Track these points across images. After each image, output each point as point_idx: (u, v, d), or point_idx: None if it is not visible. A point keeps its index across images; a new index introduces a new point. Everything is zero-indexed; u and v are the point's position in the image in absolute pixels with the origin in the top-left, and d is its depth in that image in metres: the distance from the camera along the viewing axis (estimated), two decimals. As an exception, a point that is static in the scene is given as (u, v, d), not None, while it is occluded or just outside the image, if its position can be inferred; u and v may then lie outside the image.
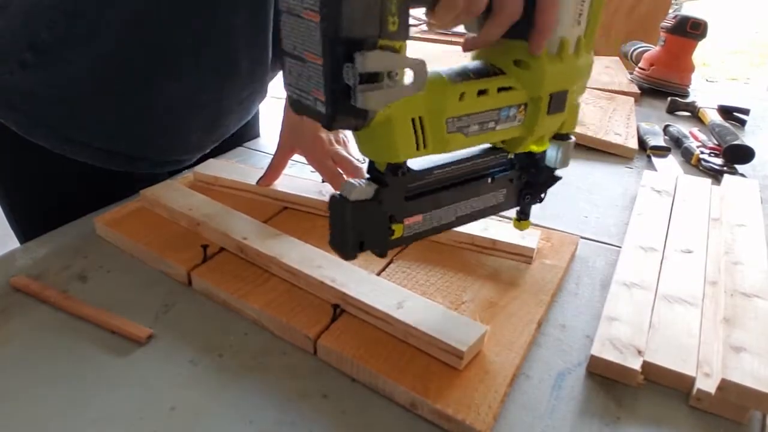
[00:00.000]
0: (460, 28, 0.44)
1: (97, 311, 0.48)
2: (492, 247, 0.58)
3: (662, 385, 0.44)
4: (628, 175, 0.83)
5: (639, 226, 0.64)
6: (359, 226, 0.40)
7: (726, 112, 1.09)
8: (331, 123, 0.34)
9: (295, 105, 0.36)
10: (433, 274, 0.55)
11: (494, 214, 0.49)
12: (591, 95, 1.12)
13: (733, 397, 0.41)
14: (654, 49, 1.25)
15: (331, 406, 0.41)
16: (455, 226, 0.47)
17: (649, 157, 0.90)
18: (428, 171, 0.43)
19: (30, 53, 0.59)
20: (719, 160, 0.86)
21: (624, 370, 0.44)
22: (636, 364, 0.44)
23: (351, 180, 0.40)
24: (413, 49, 0.33)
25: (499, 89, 0.41)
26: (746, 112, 1.10)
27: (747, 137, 1.01)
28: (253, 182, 0.66)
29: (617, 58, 1.43)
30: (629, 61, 1.36)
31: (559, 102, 0.44)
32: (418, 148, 0.39)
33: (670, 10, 1.94)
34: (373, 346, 0.45)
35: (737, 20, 6.58)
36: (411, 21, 0.36)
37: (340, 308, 0.48)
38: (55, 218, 0.63)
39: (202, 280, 0.52)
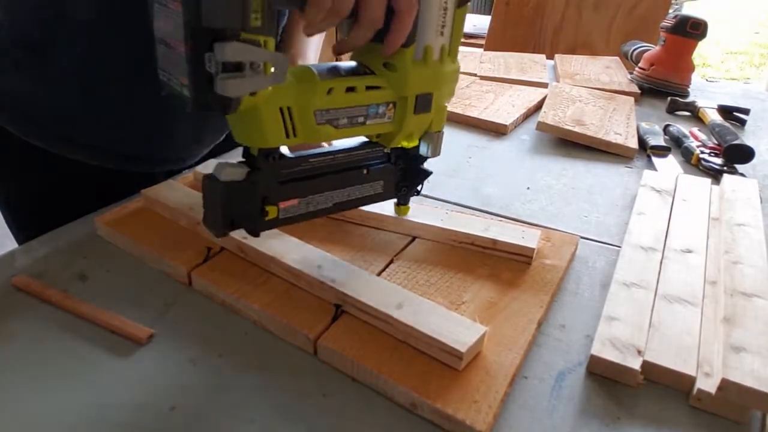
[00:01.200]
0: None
1: (97, 311, 0.48)
2: (492, 247, 0.58)
3: (662, 384, 0.44)
4: (628, 175, 0.83)
5: (639, 225, 0.64)
6: (230, 205, 0.43)
7: (726, 111, 1.09)
8: (196, 107, 0.37)
9: (165, 88, 0.39)
10: (433, 274, 0.55)
11: (373, 203, 0.54)
12: (591, 95, 1.12)
13: (734, 396, 0.41)
14: (654, 49, 1.25)
15: (331, 406, 0.41)
16: (333, 212, 0.51)
17: (649, 156, 0.90)
18: (302, 158, 0.47)
19: (22, 52, 0.59)
20: (719, 160, 0.86)
21: (624, 369, 0.44)
22: (636, 364, 0.44)
23: (222, 162, 0.43)
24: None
25: (368, 87, 0.45)
26: (746, 112, 1.10)
27: (747, 137, 1.01)
28: None
29: (617, 58, 1.43)
30: (629, 60, 1.36)
31: (425, 103, 0.48)
32: (288, 136, 0.42)
33: (670, 10, 1.94)
34: (374, 346, 0.45)
35: (737, 20, 6.58)
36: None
37: (341, 309, 0.48)
38: (56, 219, 0.63)
39: (203, 280, 0.52)
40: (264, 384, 0.43)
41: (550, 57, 1.45)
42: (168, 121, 0.68)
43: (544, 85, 1.20)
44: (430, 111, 0.49)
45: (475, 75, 1.25)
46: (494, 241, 0.58)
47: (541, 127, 0.94)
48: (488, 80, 1.23)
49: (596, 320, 0.49)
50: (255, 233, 0.46)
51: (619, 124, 0.98)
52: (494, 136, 0.96)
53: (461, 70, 1.26)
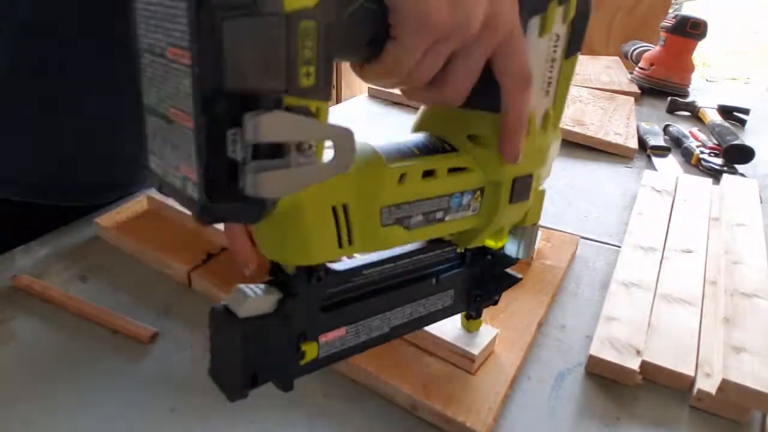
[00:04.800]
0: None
1: (99, 311, 0.48)
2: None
3: (662, 385, 0.44)
4: (628, 175, 0.83)
5: (639, 225, 0.64)
6: (252, 352, 0.29)
7: (726, 112, 1.09)
8: (206, 215, 0.23)
9: (157, 183, 0.25)
10: (433, 274, 0.55)
11: (438, 320, 0.40)
12: (591, 95, 1.12)
13: (734, 397, 0.41)
14: (654, 49, 1.25)
15: (331, 407, 0.41)
16: (388, 340, 0.37)
17: (649, 156, 0.90)
18: (355, 271, 0.34)
19: None
20: (719, 160, 0.86)
21: (622, 369, 0.44)
22: (634, 364, 0.44)
23: (243, 286, 0.29)
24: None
25: (450, 170, 0.33)
26: (746, 112, 1.10)
27: (747, 137, 1.01)
28: None
29: (617, 58, 1.43)
30: (629, 60, 1.36)
31: (524, 188, 0.36)
32: (341, 246, 0.29)
33: (670, 10, 1.94)
34: (373, 348, 0.45)
35: (737, 20, 6.58)
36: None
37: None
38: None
39: (202, 281, 0.52)
40: (264, 385, 0.43)
41: (550, 57, 1.45)
42: (108, 141, 0.60)
43: (544, 85, 1.20)
44: (528, 199, 0.37)
45: (475, 75, 1.25)
46: (494, 242, 0.58)
47: (541, 127, 0.94)
48: (488, 80, 1.23)
49: (596, 320, 0.49)
50: (287, 388, 0.32)
51: (619, 124, 0.98)
52: (494, 136, 0.96)
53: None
